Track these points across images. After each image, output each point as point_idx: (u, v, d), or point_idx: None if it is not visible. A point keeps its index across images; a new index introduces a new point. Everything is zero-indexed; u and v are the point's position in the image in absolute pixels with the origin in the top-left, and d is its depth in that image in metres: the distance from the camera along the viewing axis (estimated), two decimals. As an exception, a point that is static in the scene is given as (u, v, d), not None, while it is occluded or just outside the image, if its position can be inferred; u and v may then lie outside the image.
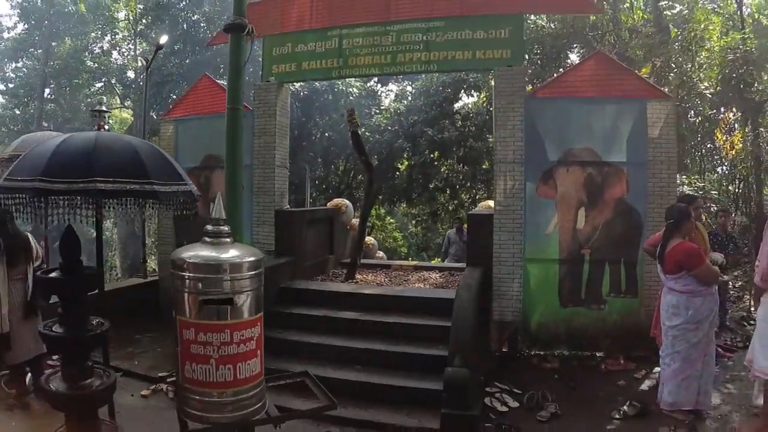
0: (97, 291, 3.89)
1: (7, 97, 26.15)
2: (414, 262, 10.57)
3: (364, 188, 11.59)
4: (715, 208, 9.85)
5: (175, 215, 3.88)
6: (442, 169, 17.37)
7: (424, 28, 6.97)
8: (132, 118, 23.42)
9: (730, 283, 8.66)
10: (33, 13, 25.15)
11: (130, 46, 26.02)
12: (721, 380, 5.39)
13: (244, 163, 5.42)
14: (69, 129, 21.02)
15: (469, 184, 17.41)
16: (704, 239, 5.81)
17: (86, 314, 3.59)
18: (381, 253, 12.04)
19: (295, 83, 12.04)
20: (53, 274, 3.60)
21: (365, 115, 17.20)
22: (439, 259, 13.72)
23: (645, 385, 5.40)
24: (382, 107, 19.33)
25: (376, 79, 17.90)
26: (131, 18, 25.00)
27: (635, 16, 12.91)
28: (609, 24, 12.84)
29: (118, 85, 25.03)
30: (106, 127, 4.13)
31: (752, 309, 7.24)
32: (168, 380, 5.41)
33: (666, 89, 9.54)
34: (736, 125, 12.05)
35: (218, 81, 10.03)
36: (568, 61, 13.86)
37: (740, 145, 11.33)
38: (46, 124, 23.46)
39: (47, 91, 25.31)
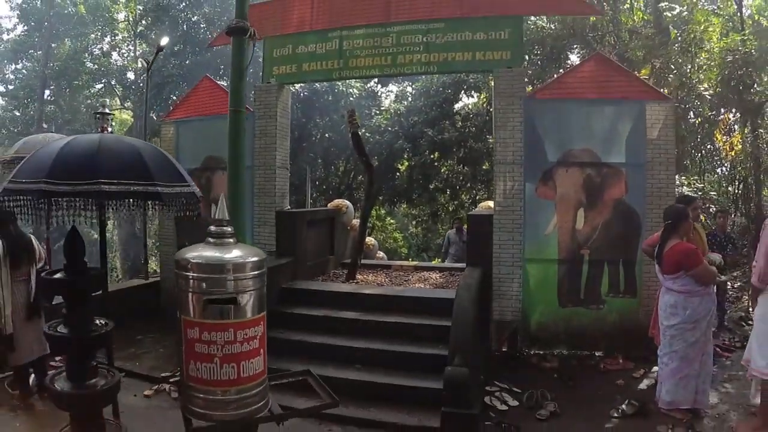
0: (100, 292, 3.92)
1: (7, 99, 26.15)
2: (414, 263, 10.59)
3: (365, 189, 11.60)
4: (714, 209, 9.89)
5: (177, 216, 3.90)
6: (442, 170, 17.38)
7: (424, 29, 7.00)
8: (132, 119, 23.47)
9: (729, 283, 8.69)
10: (33, 14, 25.13)
11: (130, 47, 26.05)
12: (719, 380, 5.42)
13: (245, 164, 5.45)
14: (69, 130, 21.04)
15: (469, 184, 17.42)
16: (702, 240, 5.84)
17: (90, 315, 3.63)
18: (381, 254, 12.06)
19: (295, 84, 12.06)
20: (58, 275, 3.63)
21: (365, 115, 17.23)
22: (439, 260, 13.74)
23: (643, 384, 5.43)
24: (382, 108, 19.35)
25: (376, 80, 17.90)
26: (131, 19, 25.01)
27: (635, 17, 12.92)
28: (609, 25, 12.85)
29: (118, 86, 25.05)
30: (109, 129, 4.15)
31: (750, 309, 7.27)
32: (171, 380, 5.44)
33: (665, 90, 9.58)
34: (736, 126, 12.07)
35: (219, 82, 10.08)
36: (569, 61, 13.87)
37: (739, 147, 11.34)
38: (46, 126, 23.45)
39: (47, 92, 25.28)
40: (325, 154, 17.70)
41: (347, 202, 10.47)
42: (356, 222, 9.76)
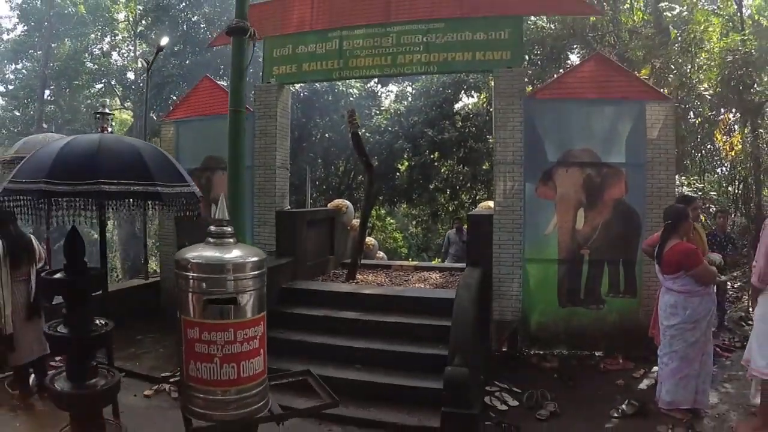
0: (101, 292, 3.93)
1: (7, 99, 26.16)
2: (414, 263, 10.59)
3: (365, 189, 11.60)
4: (714, 209, 9.89)
5: (177, 216, 3.91)
6: (442, 170, 17.38)
7: (424, 29, 7.00)
8: (132, 119, 23.49)
9: (729, 283, 8.70)
10: (33, 14, 25.14)
11: (130, 47, 26.07)
12: (719, 380, 5.43)
13: (245, 164, 5.45)
14: (69, 130, 21.04)
15: (469, 184, 17.41)
16: (702, 240, 5.84)
17: (91, 315, 3.64)
18: (381, 254, 12.06)
19: (295, 84, 12.08)
20: (58, 275, 3.63)
21: (365, 115, 17.22)
22: (439, 260, 13.75)
23: (643, 384, 5.44)
24: (382, 108, 19.35)
25: (376, 80, 17.91)
26: (131, 19, 25.03)
27: (635, 17, 12.93)
28: (609, 25, 12.86)
29: (118, 86, 25.08)
30: (109, 129, 4.16)
31: (750, 309, 7.28)
32: (170, 380, 5.45)
33: (665, 90, 9.58)
34: (736, 126, 12.08)
35: (219, 82, 10.09)
36: (569, 61, 13.88)
37: (739, 147, 11.35)
38: (46, 126, 23.45)
39: (47, 92, 25.29)
40: (325, 154, 17.71)
41: (347, 202, 10.48)
42: (356, 222, 9.77)
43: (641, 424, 4.53)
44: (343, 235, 9.58)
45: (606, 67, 6.68)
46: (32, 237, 5.13)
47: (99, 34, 25.83)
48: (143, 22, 22.68)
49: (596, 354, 6.21)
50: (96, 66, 24.76)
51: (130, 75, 24.78)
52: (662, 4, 11.56)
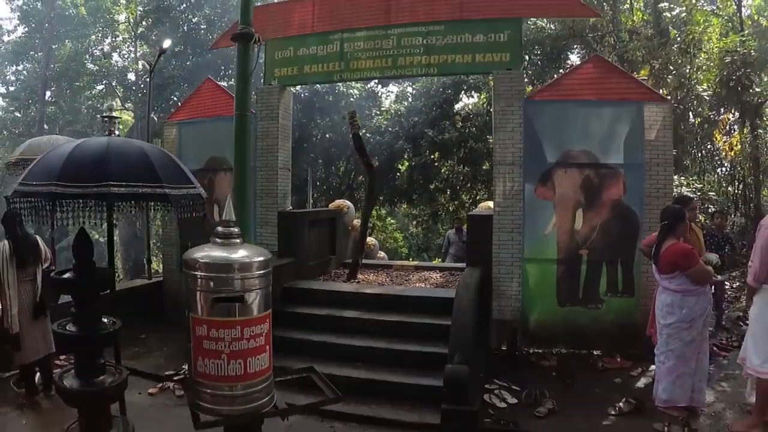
0: (108, 291, 4.00)
1: (8, 100, 26.17)
2: (415, 263, 10.64)
3: (366, 189, 11.65)
4: (713, 209, 9.93)
5: (180, 217, 3.97)
6: (442, 170, 17.39)
7: (424, 31, 7.05)
8: (132, 120, 23.54)
9: (727, 283, 8.73)
10: (33, 16, 25.16)
11: (131, 48, 26.09)
12: (716, 378, 5.47)
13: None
14: (70, 132, 21.13)
15: (469, 184, 17.43)
16: (699, 240, 5.90)
17: (99, 314, 3.70)
18: (382, 254, 12.11)
19: (296, 86, 12.14)
20: (66, 275, 3.70)
21: (366, 116, 17.26)
22: (440, 260, 13.80)
23: (641, 383, 5.49)
24: (382, 108, 19.38)
25: (376, 81, 17.94)
26: (132, 20, 25.07)
27: (635, 18, 12.99)
28: (609, 25, 12.92)
29: (118, 87, 25.13)
30: (116, 132, 4.23)
31: (748, 309, 7.35)
32: (174, 379, 5.53)
33: (664, 91, 9.65)
34: (735, 127, 12.12)
35: (220, 83, 10.15)
36: (569, 62, 13.96)
37: (739, 147, 11.39)
38: (47, 127, 23.51)
39: (48, 93, 25.34)
40: (325, 154, 17.75)
41: (348, 203, 10.52)
42: (357, 222, 9.82)
43: (638, 422, 4.58)
44: (344, 235, 9.63)
45: (604, 69, 6.72)
46: (38, 238, 5.21)
47: (99, 35, 25.84)
48: (144, 23, 22.71)
49: (594, 353, 6.26)
50: (97, 67, 24.81)
51: (131, 76, 24.81)
52: (662, 5, 11.61)
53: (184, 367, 5.63)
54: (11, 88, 26.09)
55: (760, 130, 11.15)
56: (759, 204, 11.38)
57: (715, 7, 13.27)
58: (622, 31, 12.76)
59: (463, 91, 16.47)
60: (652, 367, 5.01)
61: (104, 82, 25.37)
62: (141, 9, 23.07)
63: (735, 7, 12.80)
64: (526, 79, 8.87)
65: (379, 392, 5.04)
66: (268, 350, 2.91)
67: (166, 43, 11.40)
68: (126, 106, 24.94)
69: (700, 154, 13.17)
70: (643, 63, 11.40)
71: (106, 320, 3.74)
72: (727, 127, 12.01)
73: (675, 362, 4.45)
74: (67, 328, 3.63)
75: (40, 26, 25.10)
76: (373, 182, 8.69)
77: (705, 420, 4.57)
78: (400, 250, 20.93)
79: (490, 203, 7.96)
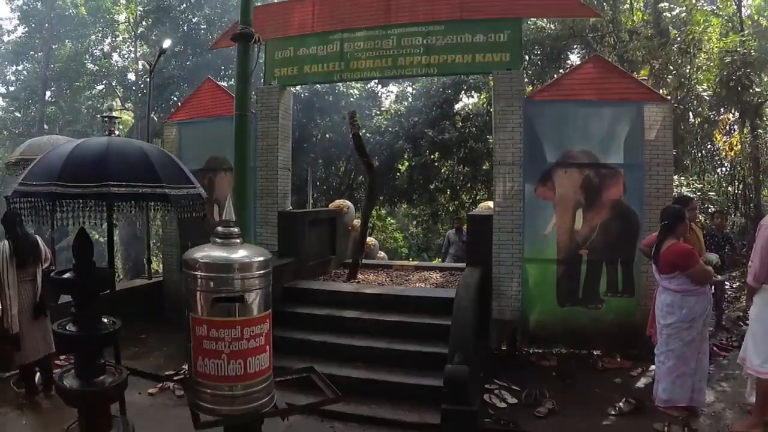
0: (108, 291, 4.00)
1: (8, 100, 26.21)
2: (415, 263, 10.65)
3: (366, 189, 11.65)
4: (713, 209, 9.93)
5: (180, 217, 3.97)
6: (442, 170, 17.41)
7: (424, 31, 7.06)
8: (132, 120, 23.57)
9: (728, 283, 8.73)
10: (33, 16, 25.19)
11: (131, 48, 26.12)
12: (716, 378, 5.47)
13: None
14: (70, 132, 21.14)
15: (469, 184, 17.45)
16: (699, 240, 5.90)
17: (99, 314, 3.70)
18: (382, 254, 12.12)
19: (296, 86, 12.14)
20: (67, 275, 3.70)
21: (366, 116, 17.27)
22: (440, 260, 13.80)
23: (641, 383, 5.49)
24: (382, 108, 19.39)
25: (376, 80, 17.96)
26: (131, 20, 25.10)
27: (635, 18, 12.99)
28: (609, 25, 12.92)
29: (118, 87, 25.15)
30: (116, 132, 4.23)
31: (748, 309, 7.35)
32: (174, 379, 5.53)
33: (664, 91, 9.64)
34: (735, 127, 12.13)
35: (220, 83, 10.14)
36: (569, 61, 13.97)
37: (739, 147, 11.39)
38: (47, 127, 23.53)
39: (48, 93, 25.37)
40: (325, 154, 17.76)
41: (348, 203, 10.53)
42: (357, 222, 9.84)
43: (638, 422, 4.59)
44: (344, 235, 9.64)
45: (604, 69, 6.72)
46: (38, 238, 5.21)
47: (99, 35, 25.87)
48: (144, 23, 22.73)
49: (594, 353, 6.26)
50: (97, 67, 24.84)
51: (131, 76, 24.84)
52: (662, 5, 11.62)
53: (184, 367, 5.63)
54: (11, 88, 26.14)
55: (760, 130, 11.15)
56: (759, 204, 11.39)
57: (715, 7, 13.28)
58: (622, 31, 12.77)
59: (463, 91, 16.49)
60: (652, 367, 5.01)
61: (104, 82, 25.39)
62: (141, 9, 23.09)
63: (735, 7, 12.81)
64: (526, 79, 8.86)
65: (379, 392, 5.04)
66: (268, 350, 2.91)
67: (166, 43, 11.41)
68: (126, 106, 24.97)
69: (700, 154, 13.18)
70: (643, 63, 11.41)
71: (106, 320, 3.75)
72: (727, 127, 12.02)
73: (675, 362, 4.45)
74: (68, 328, 3.63)
75: (40, 26, 25.11)
76: (373, 182, 8.70)
77: (705, 420, 4.57)
78: (400, 250, 20.94)
79: (490, 203, 7.97)
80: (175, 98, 18.98)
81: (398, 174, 17.58)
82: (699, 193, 10.29)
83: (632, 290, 6.32)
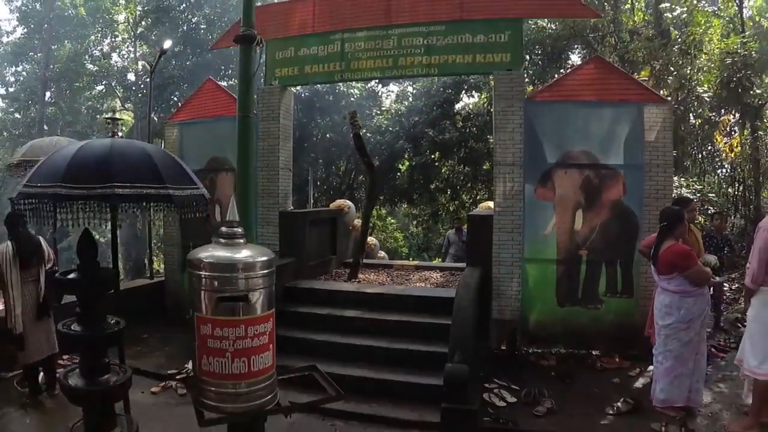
0: (112, 291, 4.03)
1: (8, 101, 26.25)
2: (415, 262, 10.68)
3: (366, 189, 11.66)
4: (712, 211, 9.96)
5: (182, 217, 3.99)
6: (443, 170, 17.43)
7: (425, 32, 7.07)
8: (132, 120, 23.62)
9: (726, 284, 8.75)
10: (32, 16, 25.22)
11: (131, 48, 26.15)
12: (713, 379, 5.49)
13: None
14: (70, 132, 21.20)
15: (470, 184, 17.47)
16: (698, 241, 5.89)
17: (103, 313, 3.73)
18: (383, 253, 12.14)
19: (297, 86, 12.17)
20: (71, 276, 3.73)
21: (366, 116, 17.28)
22: (440, 259, 13.83)
23: (639, 383, 5.52)
24: (383, 108, 19.41)
25: (377, 80, 17.96)
26: (131, 21, 25.10)
27: (636, 18, 13.00)
28: (610, 25, 12.94)
29: (118, 87, 25.16)
30: (120, 133, 4.26)
31: (746, 311, 7.37)
32: (177, 377, 5.56)
33: (665, 92, 9.66)
34: (736, 128, 12.15)
35: (220, 83, 10.16)
36: (569, 61, 13.98)
37: (739, 149, 11.41)
38: (47, 128, 23.60)
39: (48, 94, 25.40)
40: (326, 154, 17.77)
41: (349, 203, 10.55)
42: (358, 222, 9.86)
43: (636, 422, 4.61)
44: (345, 235, 9.68)
45: (605, 70, 6.74)
46: (41, 238, 5.25)
47: (99, 35, 25.88)
48: (143, 23, 22.77)
49: (593, 353, 6.29)
50: (96, 68, 24.85)
51: (131, 76, 24.86)
52: (663, 6, 11.63)
53: (186, 366, 5.67)
54: (11, 89, 26.16)
55: (760, 132, 11.18)
56: (759, 206, 11.40)
57: (716, 8, 13.29)
58: (623, 32, 12.79)
59: (463, 91, 16.51)
60: (651, 367, 5.05)
61: (104, 82, 25.40)
62: (140, 9, 23.12)
63: (736, 8, 12.82)
64: (526, 79, 8.84)
65: (379, 391, 5.08)
66: (271, 348, 2.94)
67: (167, 44, 11.43)
68: (126, 106, 24.99)
69: (700, 156, 13.20)
70: (644, 64, 11.42)
71: (110, 320, 3.77)
72: (728, 129, 12.04)
73: (673, 363, 4.50)
74: (72, 327, 3.65)
75: (40, 27, 25.14)
76: (373, 182, 8.73)
77: (702, 420, 4.59)
78: (401, 250, 20.97)
79: (491, 203, 7.99)
80: (175, 98, 19.01)
81: (399, 174, 17.60)
82: (699, 195, 10.31)
83: (631, 291, 6.34)
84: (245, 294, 2.81)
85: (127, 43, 26.33)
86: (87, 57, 25.04)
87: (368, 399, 4.95)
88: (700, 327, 4.55)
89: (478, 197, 17.11)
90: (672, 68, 11.02)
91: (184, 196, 3.57)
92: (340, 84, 16.06)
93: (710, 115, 11.85)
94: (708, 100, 11.22)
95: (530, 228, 6.54)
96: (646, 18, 12.70)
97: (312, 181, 16.47)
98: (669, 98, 8.77)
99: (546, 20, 13.49)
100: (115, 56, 26.67)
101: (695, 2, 11.57)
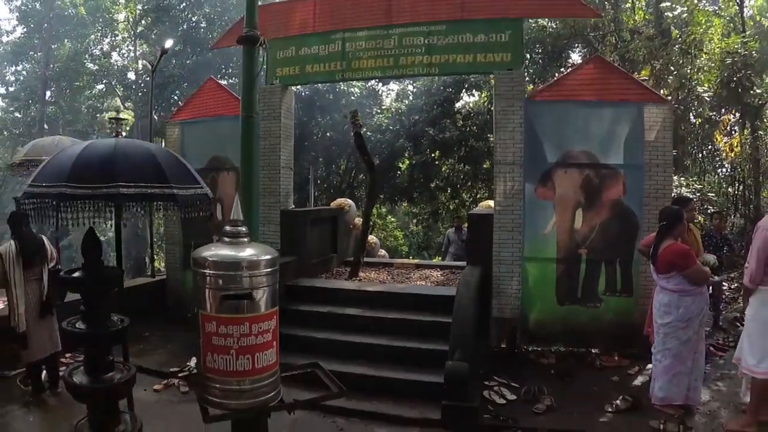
0: (117, 289, 4.06)
1: (8, 101, 26.35)
2: (415, 261, 10.74)
3: (367, 188, 11.69)
4: (712, 210, 10.01)
5: (187, 217, 4.02)
6: (443, 169, 17.50)
7: (426, 31, 7.09)
8: (133, 119, 23.68)
9: (725, 284, 8.80)
10: (32, 16, 25.34)
11: (130, 47, 26.21)
12: (712, 378, 5.53)
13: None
14: (70, 131, 21.27)
15: (470, 183, 17.53)
16: (697, 240, 5.91)
17: (108, 311, 3.77)
18: (383, 252, 12.19)
19: (298, 85, 12.19)
20: (76, 274, 3.76)
21: (367, 114, 17.33)
22: (440, 258, 13.87)
23: (638, 381, 5.56)
24: (383, 107, 19.46)
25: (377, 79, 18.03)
26: (131, 20, 25.17)
27: (636, 17, 13.03)
28: (610, 24, 12.96)
29: (118, 86, 25.22)
30: (123, 133, 4.30)
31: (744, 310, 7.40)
32: (179, 375, 5.62)
33: (665, 91, 9.68)
34: (736, 128, 12.18)
35: (221, 82, 10.18)
36: (570, 60, 14.01)
37: (739, 148, 11.44)
38: (47, 127, 23.66)
39: (48, 93, 25.50)
40: (326, 152, 17.82)
41: (350, 201, 10.59)
42: (358, 221, 9.91)
43: (635, 419, 4.65)
44: (345, 233, 9.72)
45: (605, 70, 6.76)
46: (44, 237, 5.29)
47: (99, 34, 26.02)
48: (143, 22, 22.81)
49: (593, 351, 6.33)
50: (96, 67, 24.94)
51: (131, 75, 24.94)
52: (663, 5, 11.65)
53: (188, 364, 5.73)
54: (11, 89, 26.31)
55: (760, 132, 11.21)
56: (759, 205, 11.45)
57: (717, 8, 13.31)
58: (623, 31, 12.81)
59: (464, 90, 16.58)
60: (649, 365, 5.08)
61: (104, 81, 25.52)
62: (140, 8, 23.15)
63: (737, 8, 12.83)
64: (527, 78, 8.87)
65: (380, 388, 5.12)
66: (275, 346, 2.97)
67: (168, 44, 11.45)
68: (126, 105, 25.06)
69: (700, 155, 13.23)
70: (645, 63, 11.45)
71: (114, 318, 3.81)
72: (728, 128, 12.08)
73: (671, 361, 4.54)
74: (77, 326, 3.68)
75: (39, 26, 25.25)
76: (374, 181, 8.74)
77: (700, 418, 4.62)
78: (401, 249, 21.04)
79: (491, 202, 8.04)
80: (175, 97, 19.08)
81: (399, 172, 17.67)
82: (699, 194, 10.33)
83: (631, 290, 6.38)
84: (249, 292, 2.84)
85: (127, 42, 26.42)
86: (87, 56, 25.15)
87: (369, 396, 4.99)
88: (699, 326, 4.58)
89: (478, 196, 17.18)
90: (672, 68, 11.05)
91: (188, 195, 3.60)
92: (341, 83, 16.09)
93: (710, 114, 11.88)
94: (708, 99, 11.24)
95: (530, 227, 6.57)
96: (646, 17, 12.72)
97: (313, 179, 16.51)
98: (669, 98, 8.81)
99: (546, 20, 13.51)
100: (115, 55, 26.86)
101: (696, 2, 11.60)
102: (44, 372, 5.24)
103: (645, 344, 5.29)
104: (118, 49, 26.90)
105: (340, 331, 6.04)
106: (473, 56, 6.92)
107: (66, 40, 25.28)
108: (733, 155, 11.69)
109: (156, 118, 17.37)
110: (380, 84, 19.42)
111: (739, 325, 7.30)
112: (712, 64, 11.20)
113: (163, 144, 9.31)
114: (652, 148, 6.39)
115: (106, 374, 3.67)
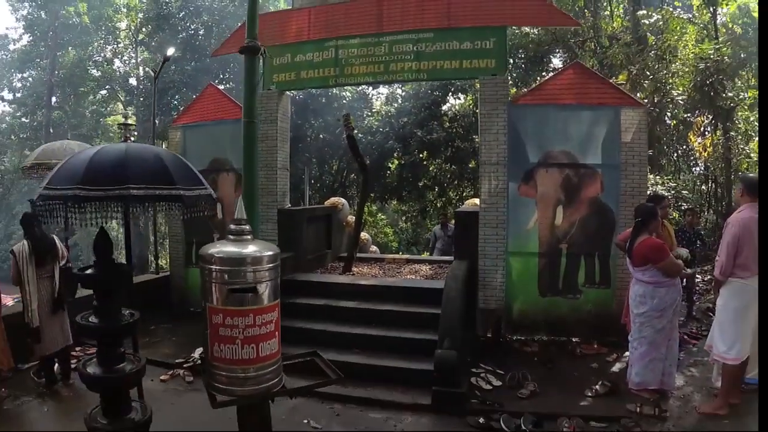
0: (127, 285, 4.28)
1: (15, 106, 26.45)
2: (405, 256, 10.92)
3: (360, 187, 11.84)
4: (685, 207, 10.25)
5: (192, 216, 4.21)
6: (430, 168, 17.76)
7: (414, 39, 7.32)
8: (135, 124, 23.76)
9: (699, 276, 8.99)
10: (38, 25, 25.62)
11: (132, 54, 26.44)
12: (686, 364, 5.70)
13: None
14: (75, 135, 21.45)
15: (456, 182, 17.79)
16: (671, 235, 6.15)
17: (119, 306, 3.96)
18: (374, 248, 12.38)
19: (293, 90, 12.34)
20: (89, 272, 3.95)
21: (358, 117, 17.49)
22: (428, 253, 14.09)
23: (616, 367, 5.78)
24: (373, 110, 19.64)
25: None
26: (132, 28, 25.37)
27: (614, 24, 13.23)
28: (590, 31, 13.17)
29: (121, 91, 25.41)
30: (132, 138, 4.51)
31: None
32: (184, 366, 5.83)
33: (641, 95, 9.91)
34: (709, 129, 12.44)
35: (221, 87, 10.35)
36: (551, 65, 14.23)
37: (711, 148, 11.67)
38: (53, 132, 23.78)
39: (53, 99, 25.67)
40: (319, 154, 18.02)
41: (343, 200, 10.78)
42: (351, 218, 10.11)
43: (613, 403, 4.84)
44: (339, 230, 9.93)
45: (584, 75, 6.99)
46: (55, 237, 5.50)
47: (102, 42, 26.30)
48: (144, 30, 22.98)
49: (573, 340, 6.56)
50: (99, 73, 25.14)
51: (133, 81, 25.14)
52: (640, 13, 11.90)
53: (192, 355, 5.94)
54: (18, 95, 26.52)
55: (732, 133, 11.48)
56: (730, 202, 11.67)
57: (691, 15, 13.54)
58: (602, 37, 13.00)
59: (450, 93, 16.83)
60: (626, 353, 5.21)
61: (107, 87, 25.70)
62: (141, 17, 23.33)
63: (710, 16, 13.09)
64: (510, 82, 9.03)
65: (375, 376, 5.33)
66: (277, 336, 3.20)
67: (170, 51, 11.49)
68: (128, 110, 25.15)
69: (675, 155, 13.45)
70: (622, 68, 11.66)
71: (126, 312, 3.98)
72: (701, 130, 12.28)
73: (647, 348, 4.68)
74: (90, 320, 3.84)
75: (45, 35, 25.54)
76: (367, 181, 8.93)
77: (674, 402, 4.81)
78: (391, 245, 21.35)
79: (477, 200, 8.21)
80: (175, 102, 19.24)
81: (388, 172, 17.89)
82: (673, 192, 10.53)
83: (608, 282, 6.62)
84: (254, 286, 3.07)
85: (129, 50, 26.67)
86: (90, 63, 25.41)
87: (364, 383, 5.20)
88: (672, 315, 4.72)
89: (464, 194, 17.40)
90: (648, 72, 11.29)
91: (193, 196, 3.73)
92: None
93: (685, 116, 12.11)
94: (682, 102, 11.50)
95: (514, 223, 6.81)
96: (624, 24, 12.93)
97: (307, 179, 16.70)
98: (645, 101, 9.04)
99: (529, 27, 13.71)
100: (117, 62, 27.09)
101: (671, 10, 11.84)
102: (56, 365, 5.44)
103: (622, 333, 5.38)
104: (120, 56, 27.14)
105: (336, 322, 6.25)
106: (459, 62, 7.14)
107: (70, 48, 25.49)
108: (706, 155, 11.95)
109: (156, 122, 17.52)
110: (371, 88, 19.64)
111: (711, 315, 7.43)
112: (687, 69, 11.45)
113: (166, 147, 9.50)
114: (628, 149, 6.61)
115: (118, 365, 3.83)
